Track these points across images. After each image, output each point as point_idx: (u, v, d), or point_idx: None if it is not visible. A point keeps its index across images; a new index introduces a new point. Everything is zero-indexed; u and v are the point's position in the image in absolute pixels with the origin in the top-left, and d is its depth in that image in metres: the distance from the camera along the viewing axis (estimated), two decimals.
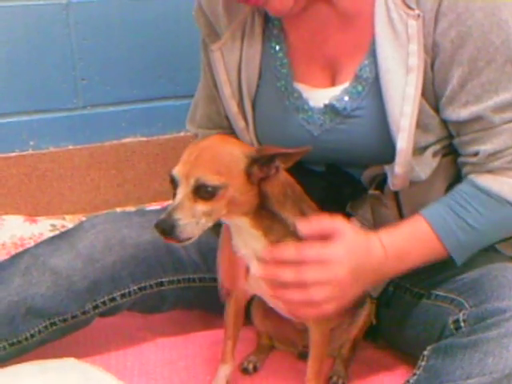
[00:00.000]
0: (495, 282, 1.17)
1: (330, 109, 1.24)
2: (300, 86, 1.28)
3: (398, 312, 1.35)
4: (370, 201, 1.29)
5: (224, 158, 1.09)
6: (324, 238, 1.09)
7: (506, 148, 1.17)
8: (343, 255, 1.09)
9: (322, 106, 1.25)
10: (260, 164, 1.09)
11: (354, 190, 1.30)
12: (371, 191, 1.28)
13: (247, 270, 1.18)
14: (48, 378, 1.23)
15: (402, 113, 1.15)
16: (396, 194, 1.26)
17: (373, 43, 1.19)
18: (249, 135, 1.34)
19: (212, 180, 1.05)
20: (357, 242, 1.12)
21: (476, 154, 1.19)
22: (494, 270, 1.21)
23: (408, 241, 1.18)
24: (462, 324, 1.13)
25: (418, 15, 1.13)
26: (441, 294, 1.25)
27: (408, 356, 1.35)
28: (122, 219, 1.43)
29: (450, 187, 1.26)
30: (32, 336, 1.32)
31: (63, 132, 2.05)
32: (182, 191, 1.06)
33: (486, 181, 1.19)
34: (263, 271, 1.12)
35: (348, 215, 1.29)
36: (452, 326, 1.14)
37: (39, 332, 1.32)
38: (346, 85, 1.23)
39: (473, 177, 1.20)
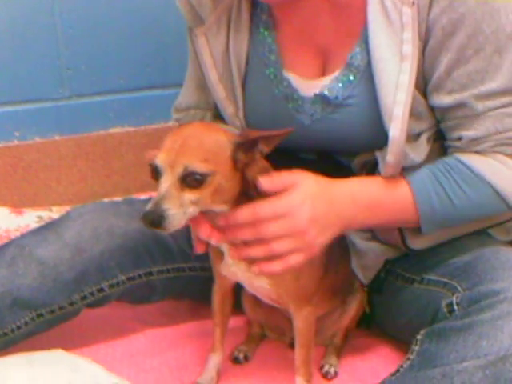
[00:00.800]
0: (488, 264, 1.16)
1: (321, 98, 1.23)
2: (289, 75, 1.26)
3: (390, 298, 1.34)
4: None
5: (210, 144, 1.06)
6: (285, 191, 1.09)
7: (488, 134, 1.16)
8: (299, 204, 1.08)
9: (312, 95, 1.24)
10: (244, 149, 1.07)
11: (345, 177, 1.27)
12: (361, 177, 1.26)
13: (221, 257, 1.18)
14: (35, 370, 1.21)
15: (395, 101, 1.13)
16: None
17: (365, 31, 1.18)
18: (239, 121, 1.32)
19: (200, 167, 1.03)
20: (315, 190, 1.10)
21: (459, 138, 1.19)
22: (487, 253, 1.20)
23: (382, 193, 1.18)
24: (456, 307, 1.12)
25: (413, 2, 1.11)
26: (433, 278, 1.24)
27: (402, 343, 1.34)
28: (110, 208, 1.42)
29: None
30: (18, 328, 1.30)
31: (49, 122, 2.02)
32: (168, 180, 1.03)
33: (469, 158, 1.18)
34: (224, 237, 1.11)
35: None
36: (445, 310, 1.14)
37: (26, 324, 1.30)
38: (337, 73, 1.22)
39: (457, 154, 1.20)
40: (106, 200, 1.89)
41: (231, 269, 1.18)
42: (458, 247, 1.26)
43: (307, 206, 1.08)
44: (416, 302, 1.26)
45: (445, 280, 1.20)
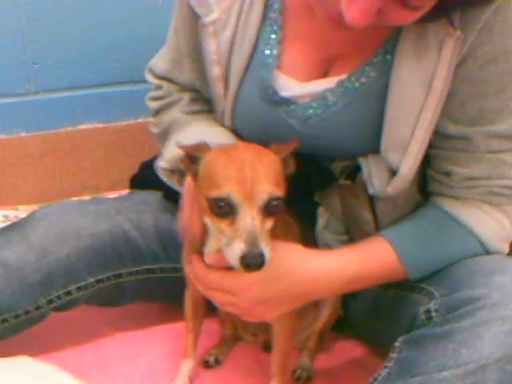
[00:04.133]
0: (466, 269, 1.13)
1: (319, 102, 1.17)
2: (285, 79, 1.20)
3: (365, 303, 1.32)
4: (339, 190, 1.24)
5: (275, 166, 1.02)
6: None
7: (481, 177, 1.14)
8: (245, 288, 1.09)
9: (307, 100, 1.18)
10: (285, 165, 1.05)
11: (323, 179, 1.25)
12: (342, 181, 1.23)
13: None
14: (0, 378, 1.17)
15: (413, 137, 1.10)
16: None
17: (388, 43, 1.12)
18: (223, 120, 1.27)
19: (278, 192, 0.99)
20: (274, 274, 1.08)
21: (449, 174, 1.16)
22: (465, 257, 1.17)
23: (365, 268, 1.15)
24: (434, 314, 1.09)
25: (457, 37, 1.05)
26: (409, 283, 1.21)
27: (377, 347, 1.32)
28: (77, 208, 1.38)
29: (422, 180, 1.22)
30: None
31: (15, 119, 1.97)
32: (249, 213, 0.97)
33: (453, 207, 1.17)
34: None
35: (315, 204, 1.26)
36: (423, 317, 1.11)
37: None
38: (343, 77, 1.16)
39: (439, 202, 1.18)
40: (74, 199, 1.85)
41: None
42: None
43: (255, 291, 1.09)
44: (392, 307, 1.24)
45: (421, 285, 1.17)
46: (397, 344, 1.09)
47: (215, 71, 1.23)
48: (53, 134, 2.01)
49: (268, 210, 0.99)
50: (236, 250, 0.96)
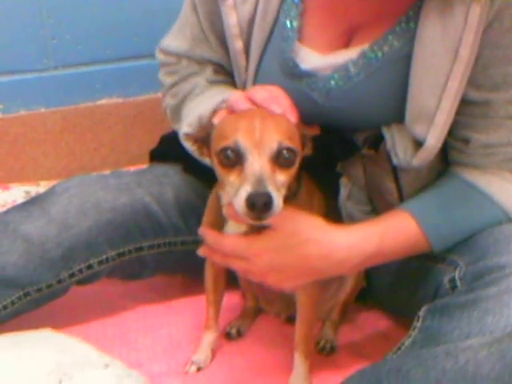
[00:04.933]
0: (491, 237, 1.11)
1: (341, 74, 1.15)
2: (306, 51, 1.18)
3: (389, 273, 1.30)
4: (362, 160, 1.22)
5: (287, 125, 1.01)
6: None
7: (499, 144, 1.12)
8: (256, 254, 1.09)
9: (329, 72, 1.16)
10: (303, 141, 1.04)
11: (345, 149, 1.23)
12: (364, 151, 1.21)
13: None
14: (23, 351, 1.17)
15: (439, 107, 1.07)
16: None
17: (411, 10, 1.09)
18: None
19: (291, 143, 0.98)
20: (286, 242, 1.08)
21: (467, 141, 1.14)
22: (489, 227, 1.14)
23: (386, 242, 1.12)
24: (459, 282, 1.08)
25: (485, 2, 1.02)
26: (433, 253, 1.19)
27: (401, 318, 1.31)
28: (97, 182, 1.37)
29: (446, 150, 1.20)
30: (5, 307, 1.26)
31: (34, 94, 1.96)
32: (258, 160, 0.96)
33: (472, 176, 1.14)
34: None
35: (338, 175, 1.24)
36: (448, 286, 1.10)
37: (12, 303, 1.26)
38: (366, 47, 1.13)
39: (459, 172, 1.16)
40: (94, 174, 1.86)
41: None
42: None
43: (267, 257, 1.08)
44: (416, 277, 1.23)
45: (444, 254, 1.16)
46: (421, 313, 1.08)
47: (237, 44, 1.22)
48: (72, 109, 2.00)
49: (279, 160, 0.97)
50: (242, 194, 0.94)
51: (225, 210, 1.11)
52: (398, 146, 1.14)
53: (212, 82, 1.31)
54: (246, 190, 0.94)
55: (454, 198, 1.15)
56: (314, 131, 1.06)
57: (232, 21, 1.20)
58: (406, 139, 1.14)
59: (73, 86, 1.99)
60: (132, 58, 2.02)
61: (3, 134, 1.95)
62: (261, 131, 0.97)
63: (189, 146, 1.27)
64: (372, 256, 1.12)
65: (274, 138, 0.97)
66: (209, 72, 1.33)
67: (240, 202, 0.94)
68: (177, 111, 1.34)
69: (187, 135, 1.22)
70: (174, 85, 1.37)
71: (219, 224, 1.13)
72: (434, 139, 1.10)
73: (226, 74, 1.33)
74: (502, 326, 0.96)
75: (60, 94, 1.99)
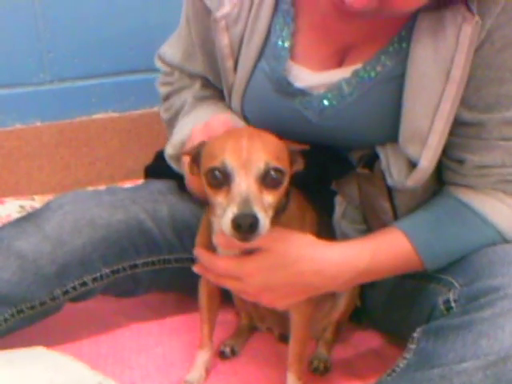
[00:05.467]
0: (485, 258, 1.11)
1: (334, 93, 1.15)
2: (299, 69, 1.18)
3: (383, 293, 1.30)
4: (357, 179, 1.22)
5: (275, 145, 1.01)
6: None
7: (493, 165, 1.12)
8: (250, 274, 1.09)
9: (322, 90, 1.16)
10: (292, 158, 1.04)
11: (340, 167, 1.23)
12: (359, 169, 1.21)
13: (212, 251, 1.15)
14: (15, 369, 1.17)
15: (432, 129, 1.07)
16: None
17: (404, 30, 1.10)
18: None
19: (278, 164, 0.98)
20: (279, 261, 1.08)
21: (461, 161, 1.14)
22: (483, 247, 1.15)
23: (378, 257, 1.13)
24: (453, 304, 1.08)
25: (476, 21, 1.02)
26: (427, 274, 1.19)
27: (395, 338, 1.31)
28: (92, 198, 1.37)
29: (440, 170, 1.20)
30: None
31: (30, 108, 1.97)
32: (245, 181, 0.96)
33: (467, 196, 1.14)
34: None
35: (333, 193, 1.24)
36: (442, 307, 1.09)
37: (5, 320, 1.25)
38: (358, 66, 1.14)
39: (453, 191, 1.16)
40: (89, 189, 1.85)
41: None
42: None
43: (260, 277, 1.08)
44: (410, 298, 1.22)
45: (440, 275, 1.15)
46: (415, 335, 1.08)
47: (228, 64, 1.23)
48: (68, 123, 2.00)
49: (266, 181, 0.97)
50: (228, 215, 0.94)
51: (215, 240, 1.12)
52: (392, 166, 1.14)
53: (199, 99, 1.33)
54: (232, 211, 0.94)
55: (448, 217, 1.15)
56: (304, 146, 1.06)
57: (224, 42, 1.21)
58: (401, 160, 1.14)
59: (69, 100, 2.00)
60: (128, 72, 2.03)
61: None
62: (248, 151, 0.97)
63: (174, 165, 1.27)
64: (363, 272, 1.12)
65: (261, 157, 0.97)
66: (197, 87, 1.35)
67: (226, 223, 0.94)
68: (170, 126, 1.36)
69: (171, 156, 1.25)
70: (167, 96, 1.39)
71: (212, 245, 1.14)
72: (427, 161, 1.10)
73: (215, 89, 1.34)
74: (497, 349, 0.96)
75: (56, 107, 1.99)
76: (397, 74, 1.11)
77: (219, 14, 1.18)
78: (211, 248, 1.14)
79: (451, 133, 1.11)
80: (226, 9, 1.18)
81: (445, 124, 1.07)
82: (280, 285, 1.09)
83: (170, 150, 1.28)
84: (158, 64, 1.42)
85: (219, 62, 1.24)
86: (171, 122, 1.37)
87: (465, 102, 1.09)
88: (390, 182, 1.15)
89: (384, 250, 1.13)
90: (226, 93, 1.28)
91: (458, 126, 1.11)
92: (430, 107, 1.07)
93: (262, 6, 1.17)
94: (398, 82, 1.11)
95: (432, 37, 1.05)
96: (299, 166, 1.07)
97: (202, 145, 1.06)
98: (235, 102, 1.25)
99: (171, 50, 1.38)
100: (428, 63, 1.06)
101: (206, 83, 1.35)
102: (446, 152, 1.14)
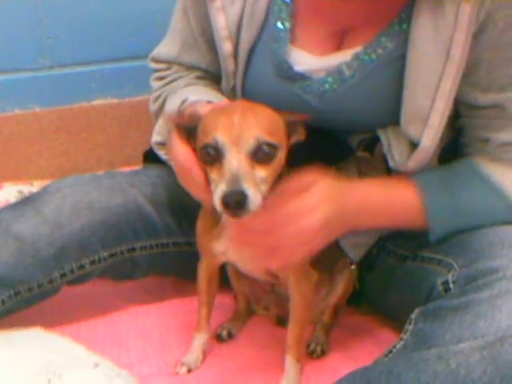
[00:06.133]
0: (485, 240, 1.11)
1: (335, 76, 1.15)
2: (299, 53, 1.18)
3: (381, 275, 1.30)
4: (357, 163, 1.22)
5: (269, 118, 1.01)
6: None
7: None
8: (313, 208, 1.01)
9: (323, 74, 1.16)
10: (292, 130, 1.03)
11: (340, 151, 1.23)
12: (360, 153, 1.21)
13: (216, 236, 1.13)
14: (13, 350, 1.18)
15: (433, 108, 1.07)
16: (386, 157, 1.19)
17: (405, 13, 1.10)
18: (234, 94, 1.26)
19: (271, 138, 0.97)
20: (330, 193, 1.04)
21: (486, 140, 1.14)
22: (484, 229, 1.14)
23: (390, 201, 1.12)
24: (452, 285, 1.07)
25: (475, 0, 1.02)
26: (427, 255, 1.19)
27: (393, 321, 1.31)
28: (91, 182, 1.37)
29: (443, 152, 1.20)
30: None
31: (29, 93, 1.96)
32: (236, 157, 0.95)
33: (488, 168, 1.13)
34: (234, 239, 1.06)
35: None
36: (440, 288, 1.09)
37: (3, 302, 1.26)
38: (359, 49, 1.14)
39: (474, 161, 1.15)
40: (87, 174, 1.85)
41: (233, 253, 1.14)
42: None
43: (320, 211, 1.02)
44: (409, 279, 1.22)
45: (439, 257, 1.15)
46: (413, 316, 1.07)
47: (227, 47, 1.22)
48: (67, 109, 2.00)
49: (258, 156, 0.96)
50: (218, 192, 0.94)
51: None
52: (394, 148, 1.14)
53: (189, 85, 1.31)
54: (221, 189, 0.94)
55: (463, 182, 1.14)
56: (304, 117, 1.05)
57: (221, 23, 1.20)
58: (402, 142, 1.14)
59: (68, 86, 1.99)
60: (128, 58, 2.02)
61: None
62: (240, 127, 0.97)
63: (161, 153, 1.26)
64: (378, 213, 1.11)
65: (253, 133, 0.96)
66: (192, 76, 1.34)
67: (216, 200, 0.94)
68: (157, 118, 1.36)
69: (159, 144, 1.26)
70: (158, 88, 1.38)
71: (215, 227, 1.13)
72: (429, 140, 1.10)
73: (212, 80, 1.33)
74: (494, 330, 0.95)
75: (55, 93, 1.98)
76: (398, 55, 1.11)
77: None
78: (215, 229, 1.13)
79: (471, 116, 1.13)
80: None
81: (446, 103, 1.07)
82: (333, 219, 1.04)
83: (156, 138, 1.28)
84: (152, 65, 1.41)
85: (218, 47, 1.24)
86: (158, 113, 1.36)
87: (478, 85, 1.10)
88: (391, 164, 1.15)
89: (391, 189, 1.13)
90: (225, 81, 1.27)
91: (476, 109, 1.12)
92: (431, 87, 1.07)
93: None
94: (399, 63, 1.11)
95: (431, 16, 1.05)
96: (300, 136, 1.06)
97: (198, 119, 1.05)
98: (236, 88, 1.25)
99: (165, 47, 1.37)
100: (428, 43, 1.06)
101: (203, 75, 1.34)
102: (470, 134, 1.16)
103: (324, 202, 1.02)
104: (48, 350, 1.18)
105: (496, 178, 1.12)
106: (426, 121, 1.09)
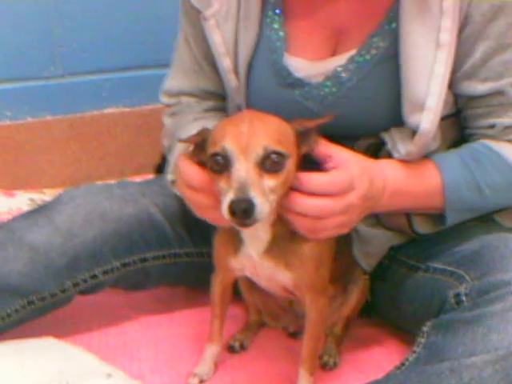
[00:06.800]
0: (497, 253, 1.11)
1: (333, 81, 1.18)
2: (296, 60, 1.21)
3: (393, 286, 1.30)
4: None
5: (278, 127, 1.01)
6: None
7: None
8: (359, 179, 1.03)
9: (321, 79, 1.19)
10: (303, 139, 1.03)
11: None
12: None
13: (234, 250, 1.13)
14: (25, 359, 1.18)
15: (428, 92, 1.10)
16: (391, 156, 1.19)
17: (392, 11, 1.14)
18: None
19: (279, 148, 0.97)
20: (364, 167, 1.06)
21: (492, 126, 1.16)
22: (495, 241, 1.15)
23: (410, 179, 1.14)
24: (464, 298, 1.07)
25: None
26: (439, 266, 1.19)
27: (404, 333, 1.31)
28: (103, 191, 1.37)
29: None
30: (8, 316, 1.26)
31: (41, 102, 1.98)
32: (244, 166, 0.96)
33: (499, 145, 1.16)
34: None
35: None
36: (453, 301, 1.09)
37: (16, 311, 1.26)
38: (353, 53, 1.17)
39: (486, 141, 1.17)
40: (99, 182, 1.86)
41: (255, 264, 1.13)
42: (465, 235, 1.21)
43: (365, 183, 1.03)
44: (421, 290, 1.22)
45: (451, 269, 1.16)
46: (425, 328, 1.08)
47: (226, 63, 1.25)
48: (78, 117, 2.02)
49: (267, 165, 0.97)
50: (226, 200, 0.94)
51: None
52: (398, 143, 1.15)
53: (197, 119, 1.33)
54: (229, 197, 0.94)
55: (478, 159, 1.16)
56: (316, 123, 1.05)
57: (217, 40, 1.23)
58: (406, 135, 1.15)
59: (79, 94, 2.01)
60: (139, 67, 2.04)
61: (9, 141, 1.97)
62: (248, 136, 0.97)
63: (176, 190, 1.27)
64: (399, 191, 1.12)
65: (261, 142, 0.97)
66: (200, 110, 1.36)
67: (224, 209, 0.95)
68: (169, 152, 1.36)
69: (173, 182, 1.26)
70: (170, 124, 1.40)
71: (233, 243, 1.13)
72: (428, 123, 1.11)
73: (221, 107, 1.36)
74: (507, 343, 0.96)
75: (66, 101, 2.00)
76: (391, 54, 1.14)
77: (208, 12, 1.22)
78: (233, 245, 1.13)
79: (473, 106, 1.17)
80: (214, 8, 1.22)
81: (441, 87, 1.10)
82: (369, 193, 1.05)
83: (171, 177, 1.30)
84: (165, 99, 1.42)
85: (218, 64, 1.27)
86: (170, 149, 1.37)
87: (476, 76, 1.14)
88: (396, 156, 1.15)
89: (415, 175, 1.14)
90: (230, 99, 1.30)
91: (477, 99, 1.16)
92: (425, 74, 1.10)
93: (250, 2, 1.21)
94: (393, 61, 1.14)
95: (417, 11, 1.10)
96: (313, 144, 1.05)
97: (207, 133, 1.05)
98: (243, 106, 1.27)
99: (173, 79, 1.40)
100: (418, 36, 1.10)
101: (213, 105, 1.37)
102: (474, 124, 1.19)
103: (366, 173, 1.04)
104: (60, 360, 1.19)
105: (508, 155, 1.16)
106: (424, 105, 1.11)
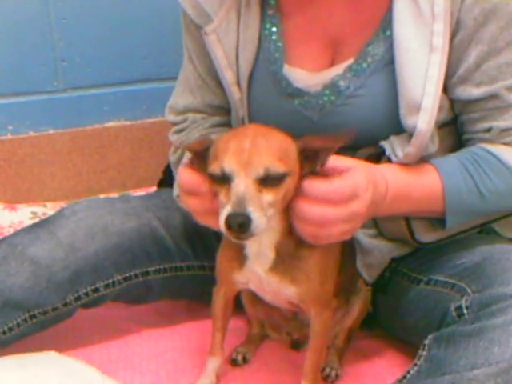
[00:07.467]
0: (498, 265, 1.12)
1: (331, 89, 1.19)
2: (294, 71, 1.22)
3: (395, 298, 1.30)
4: None
5: (280, 144, 1.01)
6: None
7: None
8: (365, 188, 1.02)
9: (319, 88, 1.20)
10: (307, 157, 1.02)
11: None
12: None
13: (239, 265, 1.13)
14: (27, 373, 1.17)
15: (424, 93, 1.11)
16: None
17: (386, 19, 1.16)
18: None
19: (280, 167, 0.97)
20: (369, 176, 1.05)
21: (488, 129, 1.17)
22: (496, 254, 1.16)
23: (411, 182, 1.14)
24: (465, 311, 1.08)
25: None
26: (440, 279, 1.20)
27: (406, 346, 1.30)
28: (105, 205, 1.38)
29: None
30: (10, 330, 1.26)
31: (43, 116, 1.99)
32: (243, 181, 0.96)
33: (497, 148, 1.17)
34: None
35: None
36: (454, 313, 1.09)
37: (18, 325, 1.26)
38: (350, 61, 1.19)
39: (484, 144, 1.18)
40: (101, 196, 1.87)
41: (261, 279, 1.13)
42: (466, 246, 1.22)
43: (370, 191, 1.03)
44: (422, 303, 1.22)
45: (453, 281, 1.16)
46: (426, 342, 1.08)
47: (228, 75, 1.27)
48: (80, 131, 2.02)
49: (267, 180, 0.97)
50: (224, 213, 0.95)
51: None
52: (397, 148, 1.16)
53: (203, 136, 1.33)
54: (227, 210, 0.95)
55: (477, 163, 1.16)
56: (326, 144, 1.02)
57: (219, 53, 1.25)
58: (404, 140, 1.15)
59: (81, 108, 2.01)
60: (141, 81, 2.04)
61: (11, 155, 1.97)
62: (250, 153, 0.97)
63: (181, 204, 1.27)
64: (400, 195, 1.12)
65: (262, 161, 0.97)
66: (207, 126, 1.37)
67: (221, 222, 0.95)
68: (176, 168, 1.37)
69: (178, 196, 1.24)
70: (177, 141, 1.40)
71: (238, 258, 1.13)
72: (424, 124, 1.12)
73: (227, 122, 1.36)
74: (508, 356, 0.96)
75: (68, 115, 2.01)
76: (387, 61, 1.16)
77: (208, 28, 1.24)
78: (237, 260, 1.13)
79: (469, 111, 1.18)
80: (214, 23, 1.24)
81: (436, 88, 1.11)
82: (373, 200, 1.05)
83: (176, 191, 1.30)
84: (171, 117, 1.42)
85: (221, 78, 1.28)
86: (177, 165, 1.38)
87: (470, 80, 1.15)
88: (394, 160, 1.15)
89: (416, 179, 1.15)
90: (234, 112, 1.31)
91: (473, 103, 1.16)
92: (420, 76, 1.12)
93: (249, 15, 1.23)
94: (390, 68, 1.16)
95: (410, 17, 1.12)
96: (323, 161, 1.03)
97: (209, 142, 1.06)
98: (246, 118, 1.28)
99: (178, 96, 1.41)
100: (411, 40, 1.12)
101: (219, 121, 1.37)
102: (471, 128, 1.19)
103: (371, 182, 1.04)
104: (62, 374, 1.18)
105: (506, 157, 1.16)
106: (420, 106, 1.12)
